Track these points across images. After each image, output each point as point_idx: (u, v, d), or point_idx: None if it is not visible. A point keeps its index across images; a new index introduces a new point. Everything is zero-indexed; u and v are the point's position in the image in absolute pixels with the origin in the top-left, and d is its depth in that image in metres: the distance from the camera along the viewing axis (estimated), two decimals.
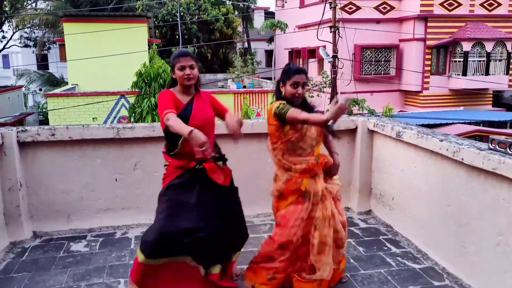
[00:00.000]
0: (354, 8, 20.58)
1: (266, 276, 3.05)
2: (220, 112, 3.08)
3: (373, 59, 20.77)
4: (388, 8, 20.78)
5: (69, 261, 3.59)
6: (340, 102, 2.63)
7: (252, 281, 3.11)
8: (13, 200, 3.91)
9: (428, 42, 19.79)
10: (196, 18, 26.20)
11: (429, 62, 20.03)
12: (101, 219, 4.22)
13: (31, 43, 31.25)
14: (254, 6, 36.17)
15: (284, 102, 2.93)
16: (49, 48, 31.02)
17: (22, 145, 3.95)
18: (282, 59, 26.63)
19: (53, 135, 3.97)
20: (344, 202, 4.65)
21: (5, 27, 30.39)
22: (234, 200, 3.11)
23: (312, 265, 2.97)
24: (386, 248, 3.81)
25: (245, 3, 33.83)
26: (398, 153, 4.10)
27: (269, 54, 34.20)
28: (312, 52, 22.83)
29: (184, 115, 2.84)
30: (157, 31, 25.83)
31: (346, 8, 20.08)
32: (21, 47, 32.33)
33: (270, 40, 32.84)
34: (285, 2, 27.52)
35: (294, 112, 2.82)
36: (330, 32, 14.85)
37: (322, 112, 2.99)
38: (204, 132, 2.66)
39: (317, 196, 2.95)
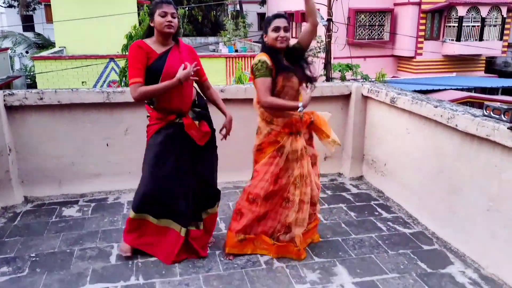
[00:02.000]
0: None
1: (237, 238, 3.08)
2: (199, 75, 3.03)
3: (367, 23, 20.46)
4: None
5: (61, 226, 3.58)
6: (309, 92, 2.83)
7: (225, 248, 3.15)
8: (3, 165, 3.86)
9: (423, 7, 19.47)
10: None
11: (423, 27, 19.78)
12: (92, 184, 4.20)
13: (15, 3, 30.30)
14: None
15: (263, 58, 2.88)
16: (34, 8, 30.12)
17: (10, 109, 3.86)
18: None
19: (41, 99, 3.88)
20: (336, 167, 4.71)
21: None
22: (210, 159, 3.12)
23: (286, 225, 3.02)
24: (377, 213, 3.85)
25: None
26: (392, 119, 4.08)
27: (262, 17, 33.58)
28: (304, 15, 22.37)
29: (157, 66, 2.83)
30: None
31: None
32: (4, 7, 31.37)
33: (263, 2, 32.16)
34: None
35: (260, 87, 2.86)
36: None
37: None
38: (177, 90, 2.83)
39: (295, 154, 2.95)
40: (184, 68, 2.79)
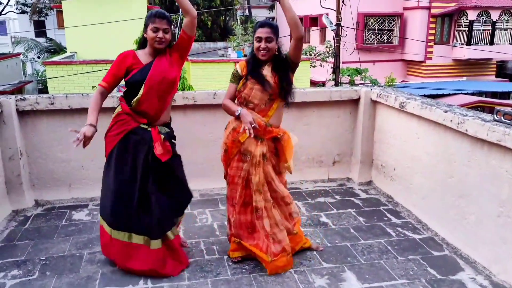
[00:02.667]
0: None
1: (234, 242, 3.12)
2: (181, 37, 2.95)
3: (376, 28, 20.41)
4: None
5: (71, 229, 3.61)
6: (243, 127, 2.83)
7: (229, 253, 3.19)
8: (14, 169, 3.90)
9: (432, 11, 19.39)
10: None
11: (433, 31, 19.69)
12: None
13: (28, 9, 30.70)
14: None
15: (237, 69, 3.03)
16: (46, 14, 30.49)
17: (21, 113, 3.91)
18: (283, 27, 26.15)
19: (52, 103, 3.93)
20: (345, 172, 4.70)
21: None
22: (175, 168, 3.03)
23: (270, 234, 2.97)
24: (386, 218, 3.83)
25: None
26: (401, 123, 4.06)
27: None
28: (314, 20, 22.43)
29: (140, 76, 2.84)
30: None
31: None
32: (17, 13, 31.80)
33: (272, 7, 32.24)
34: None
35: (227, 91, 3.06)
36: None
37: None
38: (160, 92, 2.85)
39: (253, 159, 2.94)
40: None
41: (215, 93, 4.23)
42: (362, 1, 18.37)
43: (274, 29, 2.92)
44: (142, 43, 2.99)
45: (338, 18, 14.23)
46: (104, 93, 2.93)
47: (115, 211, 2.91)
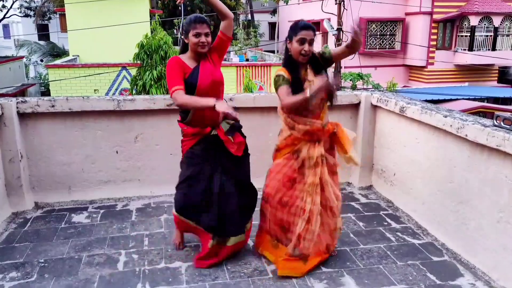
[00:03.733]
0: None
1: (271, 242, 3.13)
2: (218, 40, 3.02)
3: (378, 33, 20.44)
4: None
5: (70, 232, 3.61)
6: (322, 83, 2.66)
7: (259, 247, 3.21)
8: (14, 171, 3.91)
9: (434, 16, 19.44)
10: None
11: (435, 37, 19.73)
12: (102, 191, 4.23)
13: (31, 13, 30.85)
14: None
15: (281, 73, 2.88)
16: (50, 18, 30.61)
17: (22, 116, 3.92)
18: (285, 32, 26.13)
19: (53, 106, 3.94)
20: (345, 177, 4.69)
21: None
22: (245, 168, 3.14)
23: (297, 235, 2.94)
24: (386, 223, 3.82)
25: None
26: (401, 128, 4.06)
27: (273, 26, 33.74)
28: (316, 25, 22.47)
29: (192, 81, 2.90)
30: (159, 1, 25.45)
31: None
32: (21, 16, 31.93)
33: (274, 12, 32.32)
34: None
35: (281, 94, 2.83)
36: (335, 4, 14.56)
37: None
38: (212, 94, 2.88)
39: (311, 160, 2.90)
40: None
41: (230, 98, 4.18)
42: (364, 6, 18.39)
43: (315, 32, 2.89)
44: (182, 49, 3.06)
45: (339, 22, 14.26)
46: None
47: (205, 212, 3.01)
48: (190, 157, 3.02)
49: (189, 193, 3.00)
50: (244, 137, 3.08)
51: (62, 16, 21.20)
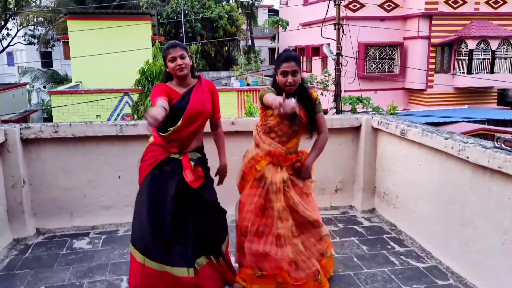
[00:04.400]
0: (358, 6, 20.47)
1: (254, 274, 3.03)
2: (214, 111, 3.07)
3: (377, 57, 20.69)
4: (393, 6, 20.67)
5: (71, 258, 3.59)
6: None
7: (243, 281, 3.09)
8: (16, 197, 3.91)
9: (432, 40, 19.70)
10: (200, 16, 26.20)
11: (433, 60, 19.94)
12: (104, 216, 4.22)
13: (35, 41, 31.35)
14: (258, 3, 36.15)
15: (272, 88, 2.94)
16: (53, 45, 31.08)
17: (25, 142, 3.95)
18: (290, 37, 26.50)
19: (56, 132, 3.97)
20: (348, 200, 4.68)
21: (9, 25, 30.51)
22: (209, 193, 3.03)
23: (292, 261, 2.91)
24: (389, 246, 3.79)
25: (249, 0, 33.78)
26: (402, 151, 4.07)
27: (273, 52, 34.16)
28: (316, 50, 22.76)
29: (181, 106, 2.87)
30: (161, 28, 25.86)
31: (350, 6, 20.00)
32: (25, 44, 32.42)
33: (274, 38, 32.77)
34: (289, 0, 27.46)
35: (268, 97, 2.81)
36: (334, 29, 14.79)
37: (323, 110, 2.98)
38: (196, 123, 2.87)
39: (273, 186, 2.91)
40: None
41: (232, 122, 4.23)
42: (362, 32, 18.68)
43: (298, 62, 2.90)
44: (167, 77, 3.05)
45: (339, 47, 14.44)
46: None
47: (151, 241, 2.83)
48: (152, 180, 2.91)
49: (149, 229, 2.83)
50: (207, 174, 3.04)
51: (66, 43, 21.51)
